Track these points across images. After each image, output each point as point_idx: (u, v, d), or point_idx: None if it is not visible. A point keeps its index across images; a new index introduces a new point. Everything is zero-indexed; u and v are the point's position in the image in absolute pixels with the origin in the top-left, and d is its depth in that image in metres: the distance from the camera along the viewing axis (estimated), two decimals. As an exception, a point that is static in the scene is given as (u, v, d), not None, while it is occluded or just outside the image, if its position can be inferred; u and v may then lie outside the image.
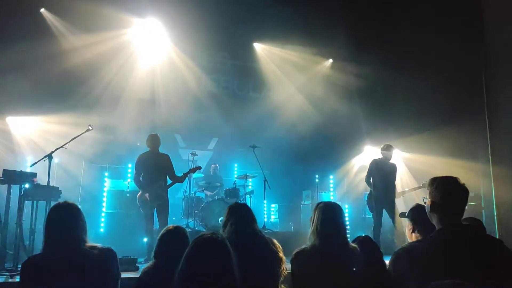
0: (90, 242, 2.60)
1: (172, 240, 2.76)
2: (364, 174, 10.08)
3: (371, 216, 9.36)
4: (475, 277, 1.76)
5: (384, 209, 6.78)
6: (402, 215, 3.10)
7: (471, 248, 2.05)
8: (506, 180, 7.49)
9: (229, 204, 3.25)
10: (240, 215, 3.03)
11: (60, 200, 5.55)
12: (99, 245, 2.60)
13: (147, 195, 6.06)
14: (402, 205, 7.59)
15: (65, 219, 2.55)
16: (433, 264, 2.03)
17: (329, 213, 2.75)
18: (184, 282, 1.95)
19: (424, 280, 1.38)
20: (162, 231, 2.87)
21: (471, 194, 2.32)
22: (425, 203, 2.32)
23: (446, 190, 2.22)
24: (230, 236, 2.84)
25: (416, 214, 2.88)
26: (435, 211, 2.22)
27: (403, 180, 9.15)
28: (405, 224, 3.03)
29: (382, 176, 6.88)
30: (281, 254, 2.92)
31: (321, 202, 2.91)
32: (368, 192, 7.14)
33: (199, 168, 6.92)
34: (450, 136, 8.19)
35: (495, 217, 7.62)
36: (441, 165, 8.11)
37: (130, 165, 8.20)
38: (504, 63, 7.84)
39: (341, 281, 2.55)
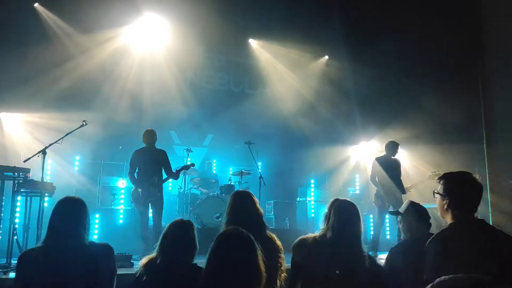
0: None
1: (176, 232, 2.72)
2: (359, 170, 10.13)
3: (366, 213, 9.39)
4: (488, 272, 1.74)
5: (391, 206, 6.64)
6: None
7: (485, 243, 2.05)
8: (502, 192, 7.55)
9: (228, 199, 3.23)
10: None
11: (54, 196, 5.56)
12: (97, 241, 2.64)
13: (140, 190, 6.01)
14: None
15: (72, 213, 2.59)
16: (445, 258, 2.03)
17: (347, 212, 2.67)
18: (211, 278, 1.97)
19: (436, 273, 1.35)
20: (169, 224, 2.79)
21: None
22: (435, 197, 2.30)
23: (462, 185, 2.21)
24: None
25: (407, 214, 2.95)
26: (449, 206, 2.20)
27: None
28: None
29: (386, 174, 6.80)
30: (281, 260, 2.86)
31: (337, 199, 2.78)
32: (376, 191, 6.97)
33: (193, 165, 6.87)
34: (446, 148, 8.18)
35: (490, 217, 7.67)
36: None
37: (124, 162, 8.16)
38: (502, 70, 7.86)
39: (338, 276, 2.52)
